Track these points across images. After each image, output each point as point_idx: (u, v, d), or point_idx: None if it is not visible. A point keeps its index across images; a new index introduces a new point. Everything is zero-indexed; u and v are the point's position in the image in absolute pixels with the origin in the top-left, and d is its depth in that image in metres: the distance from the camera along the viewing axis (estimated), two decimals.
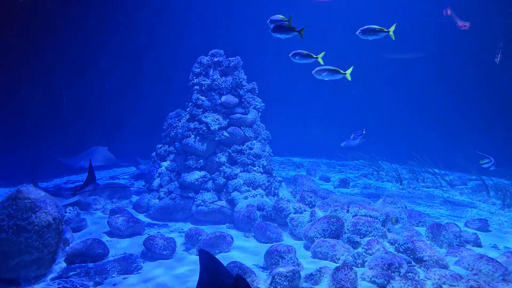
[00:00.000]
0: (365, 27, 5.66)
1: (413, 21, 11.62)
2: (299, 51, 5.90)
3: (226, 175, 7.41)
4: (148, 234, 6.36)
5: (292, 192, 8.07)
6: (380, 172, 10.85)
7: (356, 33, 5.72)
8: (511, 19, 10.44)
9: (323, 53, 5.86)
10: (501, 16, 10.49)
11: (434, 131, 12.00)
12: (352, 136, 7.70)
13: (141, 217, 7.46)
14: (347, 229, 6.20)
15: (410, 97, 12.39)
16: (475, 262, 5.29)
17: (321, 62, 5.96)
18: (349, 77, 5.95)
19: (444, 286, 4.83)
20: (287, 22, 5.60)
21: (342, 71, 5.94)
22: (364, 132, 7.42)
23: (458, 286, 4.71)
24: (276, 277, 4.81)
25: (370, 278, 4.97)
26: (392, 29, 5.57)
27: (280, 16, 5.67)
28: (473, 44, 11.17)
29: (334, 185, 9.82)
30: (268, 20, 5.75)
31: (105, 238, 6.28)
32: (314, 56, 5.89)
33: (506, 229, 7.27)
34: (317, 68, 5.99)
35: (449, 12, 10.80)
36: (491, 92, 11.21)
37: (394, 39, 5.62)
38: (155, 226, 7.08)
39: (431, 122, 12.12)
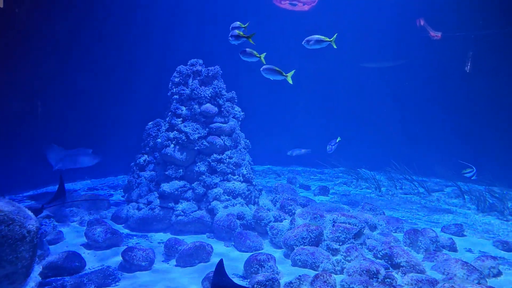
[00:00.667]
0: (309, 37, 6.08)
1: (388, 31, 11.91)
2: (245, 49, 6.22)
3: (205, 185, 7.39)
4: (127, 246, 6.27)
5: (273, 201, 8.09)
6: (359, 180, 10.98)
7: (302, 43, 6.16)
8: (482, 30, 10.82)
9: (264, 53, 6.22)
10: (472, 27, 10.87)
11: (412, 138, 12.22)
12: (328, 147, 7.87)
13: (120, 228, 7.37)
14: (327, 236, 6.25)
15: (387, 105, 12.62)
16: (451, 267, 5.40)
17: (263, 61, 6.31)
18: (290, 80, 6.26)
19: None
20: (242, 29, 6.11)
21: (284, 73, 6.24)
22: (339, 139, 7.58)
23: None
24: (255, 286, 4.82)
25: (349, 285, 5.01)
26: (333, 38, 6.01)
27: (238, 23, 6.13)
28: (445, 53, 11.53)
29: (314, 193, 9.89)
30: (230, 27, 6.18)
31: (82, 250, 6.17)
32: (257, 55, 6.21)
33: (481, 234, 7.45)
34: (264, 67, 6.30)
35: (422, 22, 11.17)
36: (465, 99, 11.52)
37: (335, 47, 6.02)
38: (134, 237, 6.99)
39: (408, 129, 12.35)
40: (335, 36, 5.98)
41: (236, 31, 6.00)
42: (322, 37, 6.00)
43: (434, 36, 11.24)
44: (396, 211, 8.78)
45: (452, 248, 6.53)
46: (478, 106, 11.36)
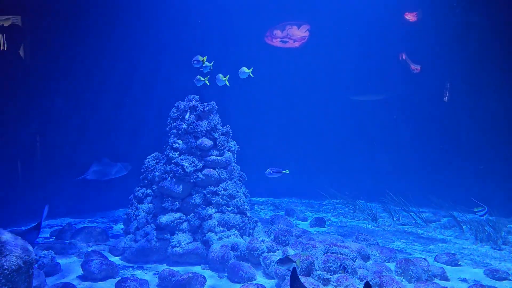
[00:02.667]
0: (240, 69, 7.88)
1: (376, 63, 12.31)
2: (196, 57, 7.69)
3: (201, 216, 7.55)
4: (122, 277, 6.39)
5: (268, 232, 8.20)
6: (357, 211, 11.06)
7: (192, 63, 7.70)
8: (459, 62, 11.21)
9: (205, 57, 7.68)
10: (450, 58, 11.29)
11: (408, 169, 12.33)
12: (267, 170, 8.14)
13: (117, 260, 7.49)
14: (318, 266, 6.32)
15: (382, 137, 12.83)
16: None
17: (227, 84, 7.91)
18: (227, 83, 7.88)
19: None
20: (207, 61, 7.68)
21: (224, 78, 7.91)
22: (287, 171, 7.98)
23: None
24: None
25: None
26: (250, 70, 7.88)
27: (200, 57, 7.67)
28: (431, 83, 11.93)
29: (311, 224, 9.98)
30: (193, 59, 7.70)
31: (77, 282, 6.30)
32: (204, 61, 7.66)
33: (475, 263, 7.47)
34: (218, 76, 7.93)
35: (404, 56, 11.65)
36: (457, 129, 11.72)
37: (253, 76, 7.87)
38: (130, 269, 7.11)
39: (404, 160, 12.49)
40: (251, 69, 7.86)
41: (199, 57, 7.63)
42: (245, 69, 7.90)
43: (414, 69, 11.66)
44: (392, 242, 8.82)
45: (443, 277, 6.57)
46: (469, 135, 11.53)
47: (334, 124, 13.03)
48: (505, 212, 10.07)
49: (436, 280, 6.47)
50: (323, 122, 13.14)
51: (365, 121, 12.88)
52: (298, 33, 11.71)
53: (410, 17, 11.05)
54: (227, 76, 7.89)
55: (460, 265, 7.36)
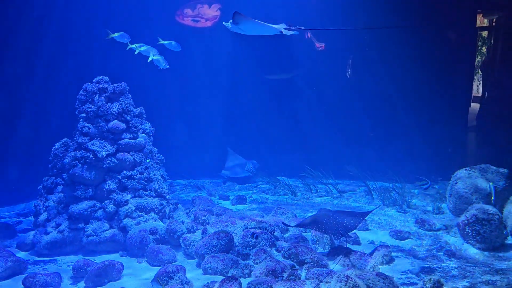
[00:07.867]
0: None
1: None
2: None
3: (116, 202, 7.28)
4: (30, 272, 5.99)
5: (188, 213, 8.16)
6: (277, 187, 11.36)
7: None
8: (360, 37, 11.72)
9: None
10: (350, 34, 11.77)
11: (325, 145, 12.83)
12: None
13: (26, 255, 7.03)
14: (237, 242, 6.44)
15: (301, 115, 13.18)
16: (350, 258, 5.84)
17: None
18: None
19: (321, 283, 5.25)
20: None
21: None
22: None
23: (331, 281, 5.10)
24: None
25: (255, 286, 5.23)
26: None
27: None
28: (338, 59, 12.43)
29: (232, 203, 10.09)
30: None
31: None
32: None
33: (384, 226, 8.07)
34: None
35: (309, 35, 11.98)
36: (366, 101, 12.34)
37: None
38: (41, 263, 6.71)
39: (323, 136, 12.95)
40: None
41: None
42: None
43: (318, 47, 12.12)
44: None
45: (356, 241, 7.02)
46: (378, 106, 12.20)
47: (254, 101, 13.12)
48: (411, 179, 10.80)
49: (348, 245, 6.89)
50: (242, 99, 13.19)
51: (281, 98, 13.14)
52: (210, 12, 11.52)
53: None
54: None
55: (369, 229, 7.92)
